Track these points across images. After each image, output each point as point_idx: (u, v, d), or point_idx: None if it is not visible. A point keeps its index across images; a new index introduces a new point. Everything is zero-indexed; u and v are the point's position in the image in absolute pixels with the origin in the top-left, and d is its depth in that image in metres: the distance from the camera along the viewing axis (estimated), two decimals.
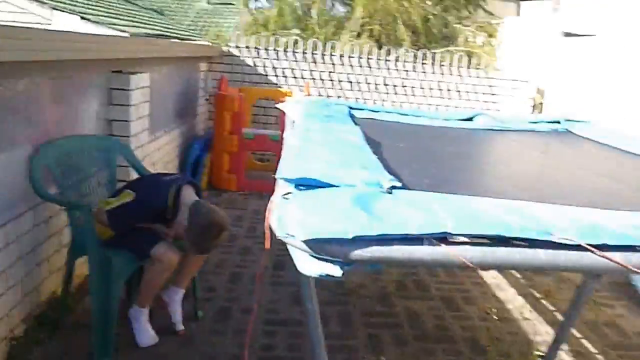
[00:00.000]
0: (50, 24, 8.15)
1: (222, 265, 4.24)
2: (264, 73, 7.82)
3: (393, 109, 5.38)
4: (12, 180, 2.98)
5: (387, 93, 8.00)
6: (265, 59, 7.80)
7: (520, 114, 6.79)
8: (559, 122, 5.23)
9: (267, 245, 2.07)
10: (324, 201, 1.73)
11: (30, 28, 3.21)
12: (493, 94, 8.30)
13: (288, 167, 2.28)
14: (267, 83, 7.84)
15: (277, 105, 5.13)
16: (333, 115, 4.48)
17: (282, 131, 6.48)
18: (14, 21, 8.16)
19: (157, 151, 5.39)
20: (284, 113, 6.34)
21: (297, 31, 9.43)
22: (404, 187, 1.99)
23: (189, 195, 3.12)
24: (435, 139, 4.46)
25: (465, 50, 8.93)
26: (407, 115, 5.11)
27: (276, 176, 2.02)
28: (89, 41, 3.63)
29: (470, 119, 5.23)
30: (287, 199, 1.81)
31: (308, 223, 1.56)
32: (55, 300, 3.32)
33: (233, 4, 17.38)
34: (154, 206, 3.09)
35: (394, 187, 1.94)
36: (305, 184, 1.97)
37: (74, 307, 3.34)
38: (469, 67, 8.17)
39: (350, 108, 4.97)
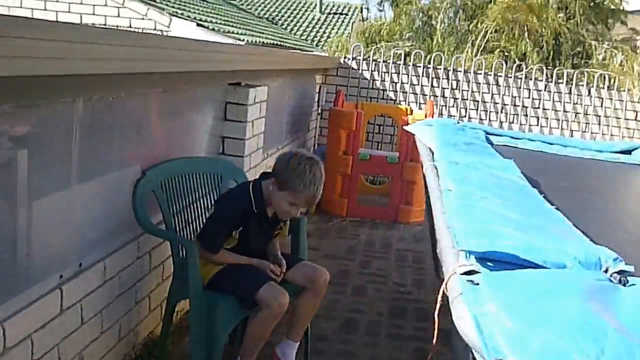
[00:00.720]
0: (169, 31, 8.05)
1: (334, 307, 3.74)
2: (381, 88, 7.32)
3: (535, 136, 4.73)
4: (115, 207, 2.62)
5: (516, 114, 7.27)
6: (384, 72, 7.29)
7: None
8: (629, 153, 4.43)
9: (435, 340, 1.54)
10: (539, 298, 1.17)
11: (150, 34, 2.86)
12: (638, 120, 7.38)
13: (457, 227, 1.75)
14: (384, 99, 7.32)
15: (405, 128, 4.61)
16: (474, 142, 3.93)
17: (402, 154, 5.96)
18: (132, 27, 8.12)
19: (267, 170, 5.00)
20: (407, 135, 5.85)
21: (413, 44, 8.89)
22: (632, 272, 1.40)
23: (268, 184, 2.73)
24: (599, 178, 3.79)
25: (601, 71, 8.06)
26: (552, 144, 4.47)
27: (458, 248, 1.49)
28: (210, 50, 3.25)
29: (628, 152, 4.53)
30: (474, 283, 1.28)
31: (535, 345, 1.01)
32: (152, 342, 2.94)
33: (346, 14, 17.05)
34: (234, 205, 2.72)
35: (625, 273, 1.35)
36: (493, 259, 1.43)
37: (172, 351, 2.95)
38: (609, 89, 7.31)
39: (487, 133, 4.40)
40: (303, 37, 14.85)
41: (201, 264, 2.62)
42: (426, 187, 4.54)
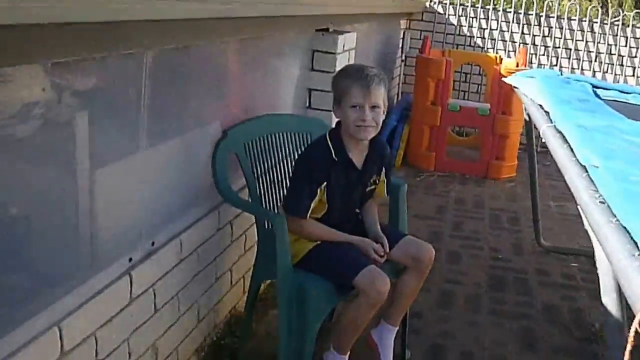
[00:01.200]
0: None
1: (428, 277, 3.19)
2: (468, 34, 6.48)
3: None
4: (192, 173, 2.12)
5: (611, 64, 6.32)
6: (471, 17, 6.44)
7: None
8: None
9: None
10: None
11: None
12: None
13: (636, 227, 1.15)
14: (471, 46, 6.49)
15: (505, 80, 3.88)
16: (588, 99, 3.21)
17: (493, 105, 5.21)
18: None
19: None
20: (498, 85, 5.10)
21: None
22: None
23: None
24: None
25: None
26: None
27: None
28: None
29: None
30: None
31: None
32: (235, 319, 2.48)
33: None
34: (311, 156, 2.23)
35: None
36: None
37: (256, 329, 2.48)
38: None
39: (594, 87, 3.64)
40: None
41: (291, 239, 2.10)
42: (532, 148, 3.85)
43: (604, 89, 3.63)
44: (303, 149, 2.55)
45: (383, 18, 5.18)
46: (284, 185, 2.49)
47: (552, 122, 2.53)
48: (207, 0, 1.71)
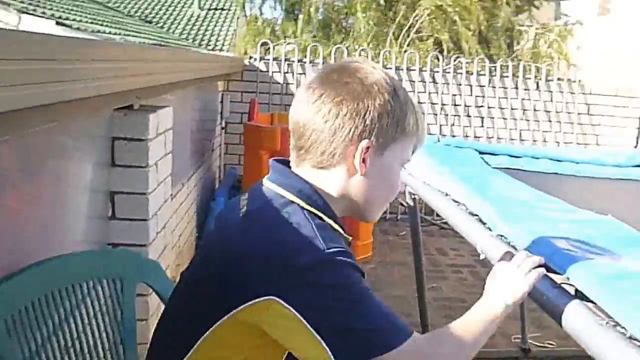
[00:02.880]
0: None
1: None
2: None
3: (534, 150, 3.71)
4: None
5: (457, 115, 6.28)
6: (300, 74, 6.05)
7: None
8: None
9: None
10: None
11: None
12: (591, 115, 6.63)
13: None
14: None
15: None
16: (481, 170, 2.86)
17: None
18: None
19: (173, 218, 3.62)
20: None
21: (324, 38, 7.71)
22: None
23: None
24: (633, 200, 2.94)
25: (531, 59, 7.29)
26: (562, 161, 3.49)
27: None
28: (82, 49, 1.81)
29: None
30: None
31: None
32: None
33: (228, 9, 15.64)
34: (347, 257, 1.24)
35: None
36: None
37: None
38: (559, 80, 6.50)
39: (480, 152, 3.34)
40: (183, 37, 13.33)
41: None
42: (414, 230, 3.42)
43: (491, 154, 3.34)
44: (112, 306, 1.71)
45: (200, 82, 4.52)
46: None
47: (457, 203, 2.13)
48: None
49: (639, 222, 2.42)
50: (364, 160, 1.22)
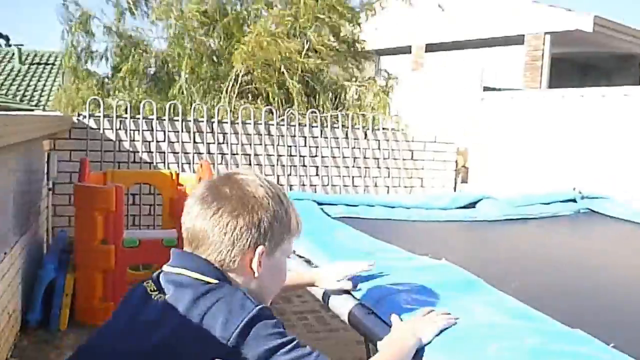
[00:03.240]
0: None
1: None
2: (132, 149, 5.89)
3: (369, 199, 3.90)
4: None
5: (294, 166, 6.44)
6: (133, 130, 5.89)
7: (528, 194, 5.36)
8: (574, 201, 4.20)
9: None
10: None
11: None
12: (415, 160, 7.09)
13: None
14: (136, 162, 5.91)
15: None
16: (325, 226, 2.94)
17: (180, 230, 4.64)
18: None
19: None
20: (180, 206, 4.58)
21: (157, 94, 7.60)
22: None
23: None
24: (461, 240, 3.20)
25: (357, 111, 7.72)
26: (394, 207, 3.70)
27: None
28: None
29: (473, 205, 3.96)
30: None
31: None
32: None
33: (53, 64, 14.96)
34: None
35: None
36: None
37: None
38: (384, 130, 6.91)
39: (319, 203, 3.46)
40: (2, 92, 12.51)
41: None
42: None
43: (329, 204, 3.45)
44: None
45: (19, 147, 4.23)
46: None
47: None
48: None
49: (467, 260, 2.61)
50: (260, 263, 1.37)
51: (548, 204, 4.01)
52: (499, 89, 8.00)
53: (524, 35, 12.65)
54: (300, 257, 2.34)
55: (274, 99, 7.24)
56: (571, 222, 3.88)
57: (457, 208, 3.83)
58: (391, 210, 3.57)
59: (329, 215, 3.26)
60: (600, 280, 2.42)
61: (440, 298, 1.70)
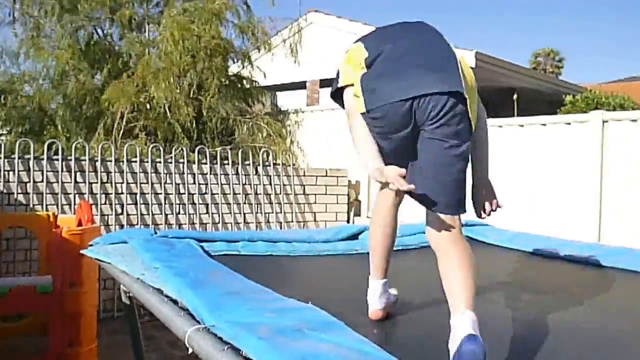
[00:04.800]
0: None
1: None
2: (5, 191, 5.55)
3: (254, 234, 3.84)
4: None
5: (183, 204, 6.28)
6: (7, 171, 5.56)
7: (409, 224, 5.37)
8: None
9: None
10: None
11: None
12: (306, 194, 7.11)
13: None
14: (11, 205, 5.56)
15: (84, 252, 3.19)
16: (202, 265, 2.85)
17: (57, 278, 4.36)
18: None
19: None
20: (58, 249, 4.34)
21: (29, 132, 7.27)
22: None
23: None
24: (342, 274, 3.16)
25: (253, 146, 7.70)
26: (277, 242, 3.67)
27: None
28: None
29: (355, 237, 4.00)
30: None
31: None
32: None
33: None
34: None
35: None
36: None
37: None
38: (275, 166, 6.89)
39: (199, 241, 3.37)
40: None
41: None
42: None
43: (209, 241, 3.36)
44: None
45: None
46: None
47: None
48: None
49: (345, 293, 2.59)
50: None
51: (414, 234, 4.09)
52: None
53: None
54: (167, 297, 2.25)
55: (161, 136, 7.09)
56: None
57: (341, 239, 3.85)
58: (273, 245, 3.54)
59: (208, 254, 3.18)
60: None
61: (296, 336, 1.66)
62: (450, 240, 1.99)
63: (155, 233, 3.29)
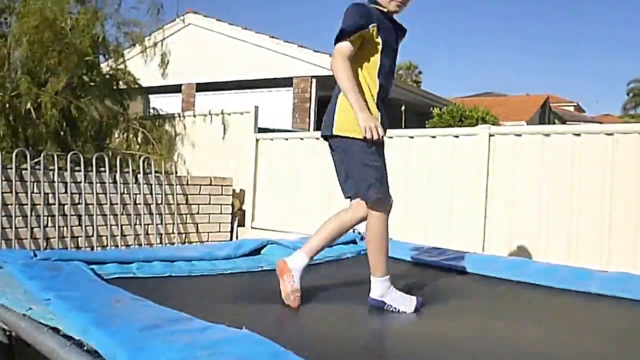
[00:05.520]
0: None
1: None
2: None
3: (149, 253, 3.47)
4: None
5: (52, 215, 5.70)
6: None
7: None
8: (355, 242, 4.25)
9: None
10: None
11: None
12: (189, 204, 6.74)
13: None
14: None
15: None
16: (92, 290, 2.50)
17: None
18: None
19: None
20: None
21: None
22: None
23: None
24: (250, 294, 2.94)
25: (130, 153, 7.23)
26: (175, 261, 3.35)
27: None
28: None
29: (258, 252, 3.77)
30: None
31: None
32: None
33: None
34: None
35: None
36: None
37: None
38: (157, 174, 6.46)
39: (88, 263, 2.99)
40: None
41: None
42: None
43: (100, 263, 2.98)
44: None
45: None
46: None
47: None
48: None
49: (260, 315, 2.35)
50: None
51: (332, 246, 3.95)
52: (273, 130, 8.00)
53: (292, 78, 13.03)
54: (71, 338, 1.87)
55: (26, 140, 6.45)
56: (353, 263, 3.85)
57: (243, 256, 3.60)
58: (171, 265, 3.21)
59: (100, 277, 2.81)
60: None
61: None
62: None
63: (35, 255, 2.86)
